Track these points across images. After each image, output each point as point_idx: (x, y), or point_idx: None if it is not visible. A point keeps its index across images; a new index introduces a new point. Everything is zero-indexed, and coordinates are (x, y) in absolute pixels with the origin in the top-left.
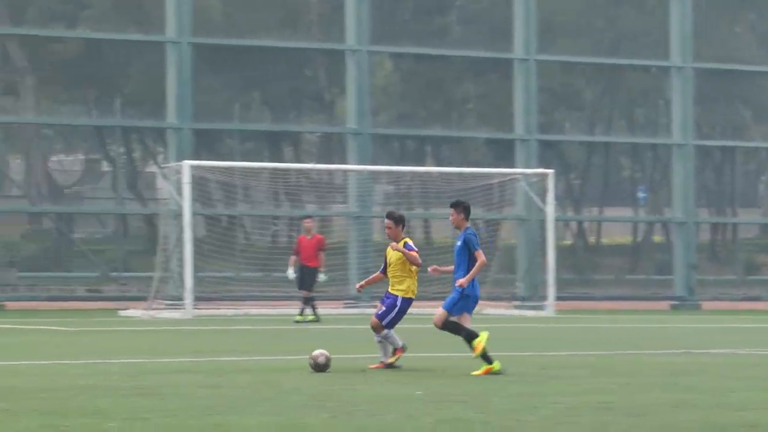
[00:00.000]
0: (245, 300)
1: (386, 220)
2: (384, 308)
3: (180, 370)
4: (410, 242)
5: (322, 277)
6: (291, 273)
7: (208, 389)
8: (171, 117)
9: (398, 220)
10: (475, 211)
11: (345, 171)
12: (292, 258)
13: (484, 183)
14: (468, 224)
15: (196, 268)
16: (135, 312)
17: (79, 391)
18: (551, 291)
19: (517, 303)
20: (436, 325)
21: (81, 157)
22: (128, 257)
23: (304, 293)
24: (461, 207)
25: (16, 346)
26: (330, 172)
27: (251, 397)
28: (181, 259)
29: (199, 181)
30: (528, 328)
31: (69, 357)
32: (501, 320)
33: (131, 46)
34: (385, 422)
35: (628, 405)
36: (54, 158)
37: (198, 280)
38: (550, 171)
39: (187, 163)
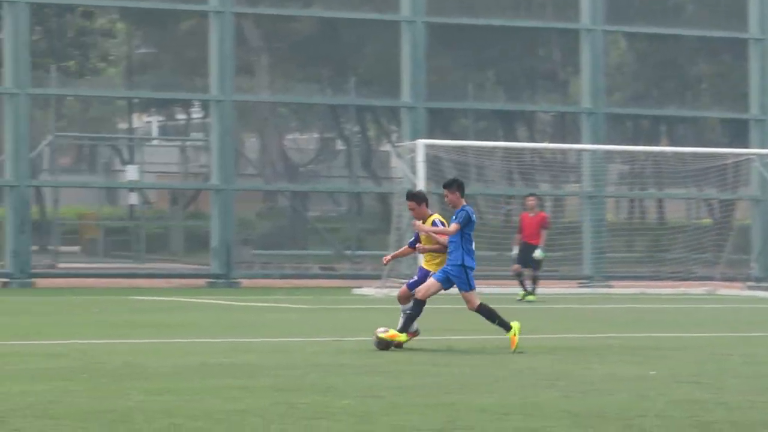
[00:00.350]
0: (479, 279)
1: (408, 202)
2: (416, 279)
3: (413, 348)
4: (438, 218)
5: (537, 253)
6: (515, 252)
7: (441, 368)
8: (405, 96)
9: (420, 199)
10: (709, 191)
11: (578, 150)
12: (516, 237)
13: (719, 163)
14: (464, 202)
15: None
16: (368, 290)
17: (312, 369)
18: None
19: (751, 284)
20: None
21: (315, 135)
22: (362, 235)
23: (515, 267)
24: (455, 185)
25: (252, 323)
26: (563, 151)
27: (483, 376)
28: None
29: (433, 160)
30: (762, 309)
31: (302, 334)
32: (734, 300)
33: (366, 25)
34: (617, 402)
35: None
36: (289, 137)
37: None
38: None
39: (421, 142)
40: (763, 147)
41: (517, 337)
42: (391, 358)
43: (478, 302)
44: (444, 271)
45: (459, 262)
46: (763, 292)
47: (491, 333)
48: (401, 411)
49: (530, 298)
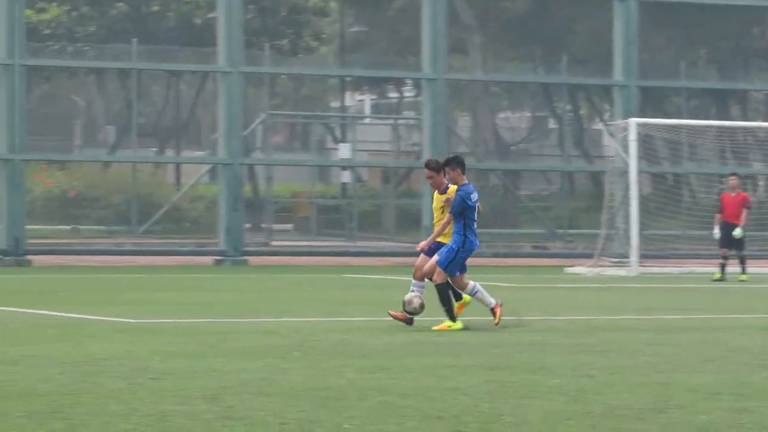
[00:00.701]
0: (691, 258)
1: (426, 170)
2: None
3: (625, 328)
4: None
5: (737, 231)
6: (716, 232)
7: (654, 347)
8: (617, 74)
9: (436, 168)
10: None
11: None
12: (717, 216)
13: None
14: (464, 180)
15: (642, 226)
16: (580, 269)
17: (523, 348)
18: None
19: None
20: (434, 282)
21: (527, 114)
22: (574, 214)
23: (724, 251)
24: (455, 162)
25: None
26: None
27: (696, 356)
28: (626, 217)
29: (645, 139)
30: None
31: (512, 313)
32: None
33: (578, 3)
34: None
35: None
36: (501, 115)
37: (643, 238)
38: None
39: (634, 121)
40: None
41: (448, 325)
42: (603, 338)
43: (440, 280)
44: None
45: (457, 246)
46: None
47: (706, 312)
48: (613, 390)
49: (742, 277)
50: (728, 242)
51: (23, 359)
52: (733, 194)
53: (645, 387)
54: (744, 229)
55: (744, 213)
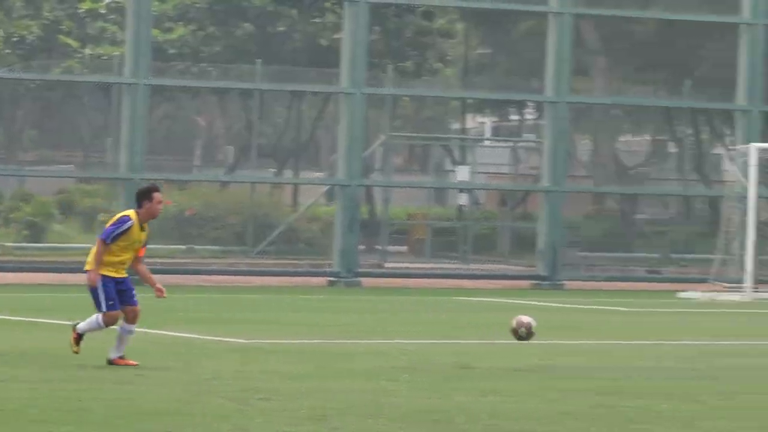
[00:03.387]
0: None
1: None
2: None
3: (736, 354)
4: None
5: None
6: None
7: (765, 372)
8: (740, 99)
9: None
10: None
11: None
12: None
13: None
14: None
15: (759, 251)
16: (694, 294)
17: (633, 372)
18: None
19: None
20: None
21: (648, 137)
22: (690, 239)
23: None
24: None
25: (574, 325)
26: None
27: None
28: (743, 242)
29: (766, 164)
30: None
31: (624, 337)
32: None
33: (704, 26)
34: None
35: None
36: (621, 139)
37: (759, 263)
38: None
39: (755, 146)
40: None
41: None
42: (714, 363)
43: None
44: None
45: None
46: None
47: None
48: (722, 415)
49: None
50: None
51: (136, 378)
52: None
53: (758, 415)
54: None
55: None
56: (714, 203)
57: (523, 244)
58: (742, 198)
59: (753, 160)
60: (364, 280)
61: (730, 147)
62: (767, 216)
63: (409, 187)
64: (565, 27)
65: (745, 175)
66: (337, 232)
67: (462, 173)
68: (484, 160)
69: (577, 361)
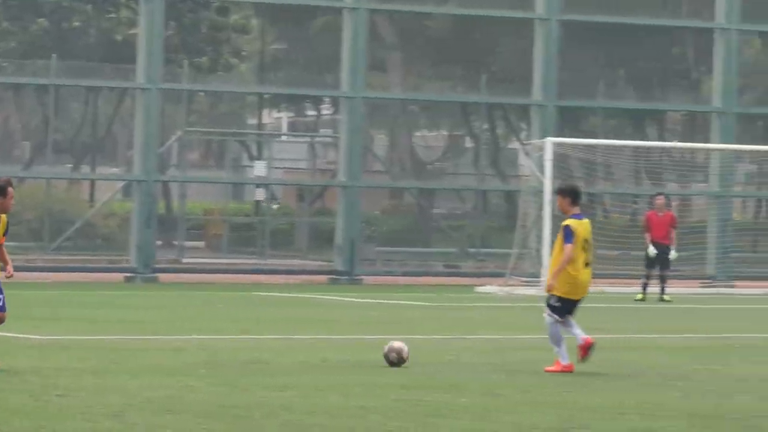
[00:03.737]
0: (601, 278)
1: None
2: None
3: (534, 347)
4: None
5: (673, 254)
6: (652, 250)
7: None
8: (536, 94)
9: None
10: None
11: (707, 150)
12: (647, 236)
13: None
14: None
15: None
16: (491, 288)
17: (434, 367)
18: None
19: None
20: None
21: (444, 133)
22: (487, 233)
23: (649, 272)
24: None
25: (374, 321)
26: (692, 150)
27: (603, 376)
28: (539, 237)
29: (561, 159)
30: None
31: (425, 332)
32: None
33: (499, 23)
34: (737, 403)
35: None
36: (417, 134)
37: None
38: None
39: (550, 140)
40: None
41: None
42: (512, 357)
43: None
44: None
45: None
46: None
47: (615, 332)
48: (520, 409)
49: (666, 298)
50: (654, 263)
51: None
52: (660, 214)
53: (552, 406)
54: (678, 251)
55: (673, 233)
56: (510, 198)
57: (321, 239)
58: (538, 192)
59: (548, 155)
60: (162, 276)
61: (525, 142)
62: None
63: (205, 182)
64: (360, 22)
65: (541, 169)
66: (134, 227)
67: (259, 169)
68: (281, 156)
69: (377, 357)
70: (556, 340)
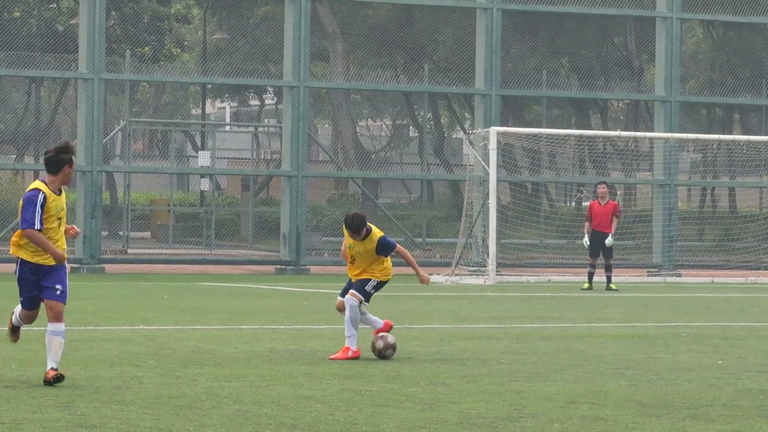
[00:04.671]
0: (548, 267)
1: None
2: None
3: (481, 337)
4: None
5: (609, 240)
6: (586, 240)
7: (509, 355)
8: (479, 83)
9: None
10: None
11: (651, 138)
12: (586, 225)
13: None
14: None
15: (500, 235)
16: (438, 278)
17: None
18: None
19: None
20: None
21: (388, 122)
22: (432, 223)
23: (592, 260)
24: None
25: (320, 310)
26: (636, 139)
27: (551, 365)
28: (485, 226)
29: (505, 148)
30: None
31: None
32: None
33: (441, 11)
34: (684, 391)
35: None
36: (361, 123)
37: (501, 247)
38: None
39: (494, 130)
40: None
41: None
42: (459, 346)
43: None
44: None
45: None
46: None
47: (562, 321)
48: (468, 399)
49: (613, 287)
50: (597, 251)
51: None
52: (602, 203)
53: (500, 396)
54: (614, 239)
55: (615, 222)
56: (455, 187)
57: (267, 229)
58: (483, 181)
59: (492, 144)
60: (108, 267)
61: (469, 131)
62: (508, 199)
63: (150, 172)
64: (302, 12)
65: (485, 158)
66: (79, 218)
67: (203, 158)
68: (225, 146)
69: (323, 346)
70: (356, 324)
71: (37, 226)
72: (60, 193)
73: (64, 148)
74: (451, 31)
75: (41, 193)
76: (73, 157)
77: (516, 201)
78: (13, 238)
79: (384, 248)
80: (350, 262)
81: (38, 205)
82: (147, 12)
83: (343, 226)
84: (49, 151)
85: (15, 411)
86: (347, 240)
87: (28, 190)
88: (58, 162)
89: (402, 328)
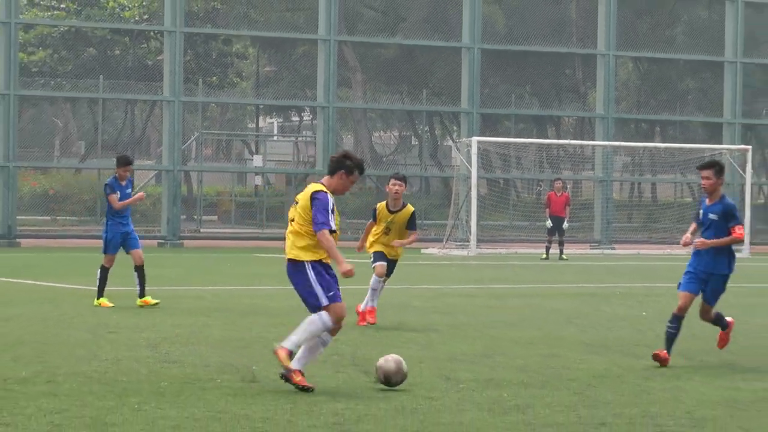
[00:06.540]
0: (515, 242)
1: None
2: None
3: (466, 295)
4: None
5: (566, 225)
6: (549, 223)
7: (487, 309)
8: (464, 104)
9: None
10: (691, 177)
11: (593, 146)
12: (546, 211)
13: (698, 156)
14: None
15: (479, 218)
16: (433, 250)
17: (387, 308)
18: (747, 238)
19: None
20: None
21: (395, 133)
22: (428, 209)
23: (550, 238)
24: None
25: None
26: (582, 146)
27: (519, 316)
28: (468, 211)
29: (483, 153)
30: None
31: None
32: None
33: (435, 50)
34: (619, 335)
35: None
36: (375, 134)
37: (480, 227)
38: (749, 147)
39: (475, 139)
40: (732, 144)
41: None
42: (449, 302)
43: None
44: None
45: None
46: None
47: (528, 282)
48: (454, 341)
49: (564, 257)
50: (554, 231)
51: (14, 317)
52: (557, 194)
53: (479, 339)
54: (569, 222)
55: (567, 210)
56: (446, 183)
57: None
58: (467, 178)
59: (474, 150)
60: (185, 242)
61: (457, 140)
62: (485, 191)
63: (217, 171)
64: (331, 50)
65: (469, 161)
66: (164, 205)
67: (257, 161)
68: (273, 151)
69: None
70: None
71: (332, 226)
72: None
73: (348, 156)
74: (443, 65)
75: (328, 195)
76: (354, 169)
77: (491, 193)
78: (301, 243)
79: (413, 221)
80: (384, 233)
81: (329, 207)
82: (215, 50)
83: (378, 208)
84: (338, 153)
85: (115, 350)
86: (384, 215)
87: (314, 190)
88: (335, 163)
89: (405, 288)
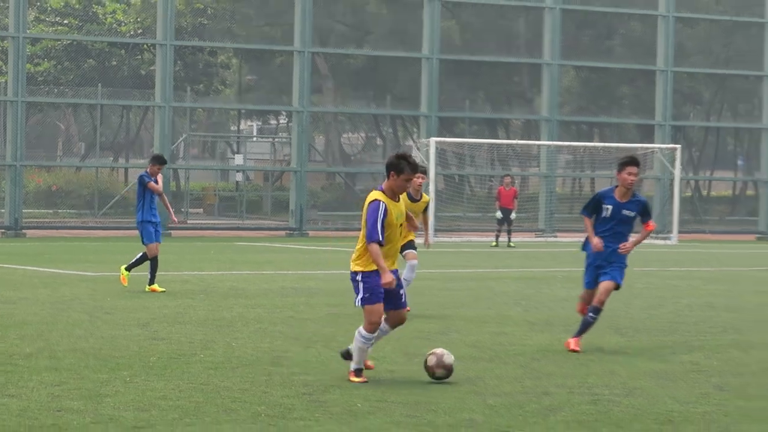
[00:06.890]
0: (468, 231)
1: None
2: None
3: (425, 278)
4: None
5: (513, 215)
6: (499, 214)
7: (444, 291)
8: (423, 108)
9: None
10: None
11: (539, 145)
12: (497, 203)
13: (632, 154)
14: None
15: (437, 210)
16: None
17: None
18: (675, 227)
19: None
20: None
21: (363, 135)
22: None
23: (499, 227)
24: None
25: (315, 261)
26: (529, 146)
27: (471, 297)
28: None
29: (441, 152)
30: (657, 252)
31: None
32: (640, 247)
33: (398, 60)
34: (559, 314)
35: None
36: (345, 135)
37: (437, 218)
38: (678, 146)
39: (433, 140)
40: (663, 143)
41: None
42: (411, 285)
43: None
44: None
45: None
46: (659, 241)
47: (479, 267)
48: (414, 321)
49: (512, 245)
50: (503, 221)
51: (19, 300)
52: (507, 189)
53: (435, 318)
54: (517, 214)
55: (515, 202)
56: None
57: (280, 206)
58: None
59: (432, 149)
60: (174, 232)
61: (417, 141)
62: (442, 186)
63: (202, 169)
64: (305, 60)
65: (428, 159)
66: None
67: (238, 159)
68: (253, 151)
69: (316, 285)
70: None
71: (379, 239)
72: (398, 200)
73: (398, 156)
74: (405, 73)
75: (382, 203)
76: (404, 167)
77: (448, 187)
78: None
79: (428, 208)
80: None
81: (377, 216)
82: (201, 61)
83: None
84: (391, 155)
85: (110, 329)
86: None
87: (369, 201)
88: (387, 166)
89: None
